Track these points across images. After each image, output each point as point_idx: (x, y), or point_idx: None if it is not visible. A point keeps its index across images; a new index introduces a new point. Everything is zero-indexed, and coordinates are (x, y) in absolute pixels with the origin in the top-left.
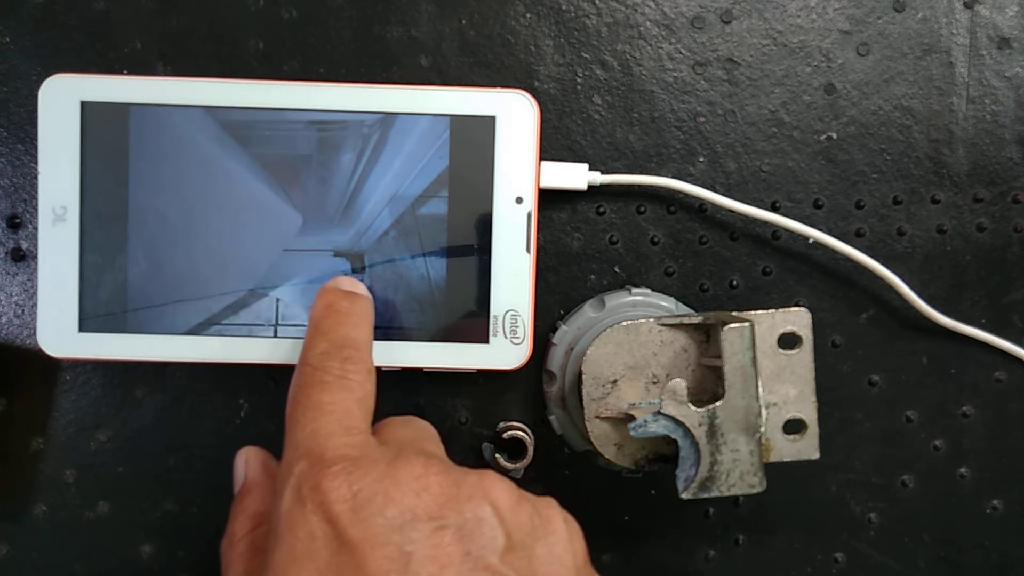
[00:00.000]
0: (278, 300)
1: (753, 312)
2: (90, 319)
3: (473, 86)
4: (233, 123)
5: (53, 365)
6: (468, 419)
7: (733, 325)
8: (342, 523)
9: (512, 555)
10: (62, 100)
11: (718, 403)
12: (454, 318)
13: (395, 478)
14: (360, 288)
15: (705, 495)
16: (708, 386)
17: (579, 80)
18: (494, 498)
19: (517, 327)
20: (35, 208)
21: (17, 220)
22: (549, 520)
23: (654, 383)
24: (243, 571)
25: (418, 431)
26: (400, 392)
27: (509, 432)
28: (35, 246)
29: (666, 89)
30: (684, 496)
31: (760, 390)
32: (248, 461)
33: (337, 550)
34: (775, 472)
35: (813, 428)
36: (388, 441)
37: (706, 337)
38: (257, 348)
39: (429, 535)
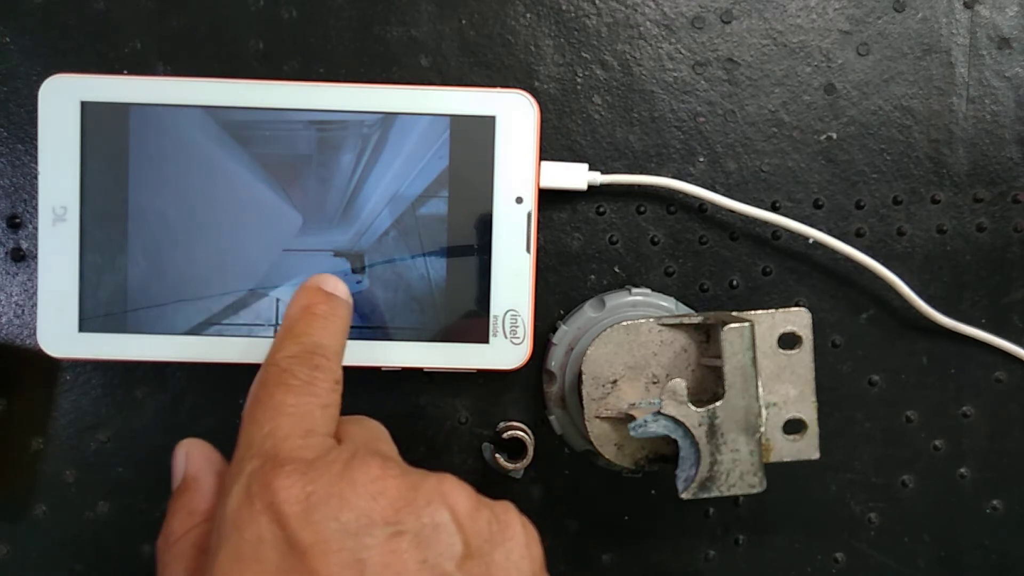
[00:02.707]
0: (278, 300)
1: (753, 312)
2: (90, 319)
3: (473, 86)
4: (233, 123)
5: (53, 365)
6: (468, 419)
7: (733, 325)
8: (293, 526)
9: (470, 562)
10: (62, 100)
11: (718, 403)
12: (454, 318)
13: (351, 480)
14: (342, 290)
15: (705, 495)
16: (708, 386)
17: (579, 80)
18: (452, 503)
19: (517, 327)
20: (35, 208)
21: (17, 220)
22: (507, 525)
23: (654, 383)
24: (183, 571)
25: (372, 431)
26: (400, 392)
27: (509, 432)
28: (35, 246)
29: (666, 89)
30: (684, 496)
31: (760, 390)
32: (189, 454)
33: (286, 554)
34: (775, 472)
35: (813, 428)
36: (343, 440)
37: (706, 337)
38: (257, 348)
39: (385, 541)
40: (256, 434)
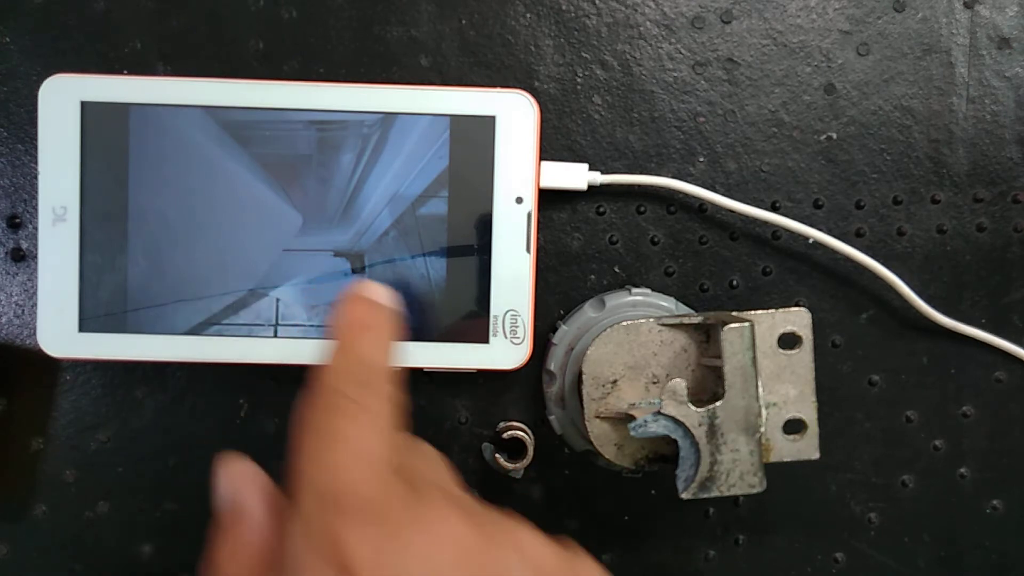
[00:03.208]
0: (278, 300)
1: (753, 312)
2: (90, 319)
3: (473, 86)
4: (233, 123)
5: (53, 365)
6: (468, 419)
7: (733, 325)
8: None
9: None
10: (62, 100)
11: (718, 403)
12: (454, 318)
13: (422, 528)
14: (386, 297)
15: (705, 495)
16: (708, 386)
17: (579, 80)
18: (520, 545)
19: (517, 327)
20: (35, 208)
21: (17, 220)
22: (577, 567)
23: (654, 383)
24: None
25: (431, 462)
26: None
27: (509, 432)
28: (35, 246)
29: (666, 89)
30: (684, 496)
31: (760, 390)
32: (235, 478)
33: None
34: (775, 472)
35: (813, 428)
36: (404, 472)
37: (706, 337)
38: (257, 348)
39: None
40: (312, 469)
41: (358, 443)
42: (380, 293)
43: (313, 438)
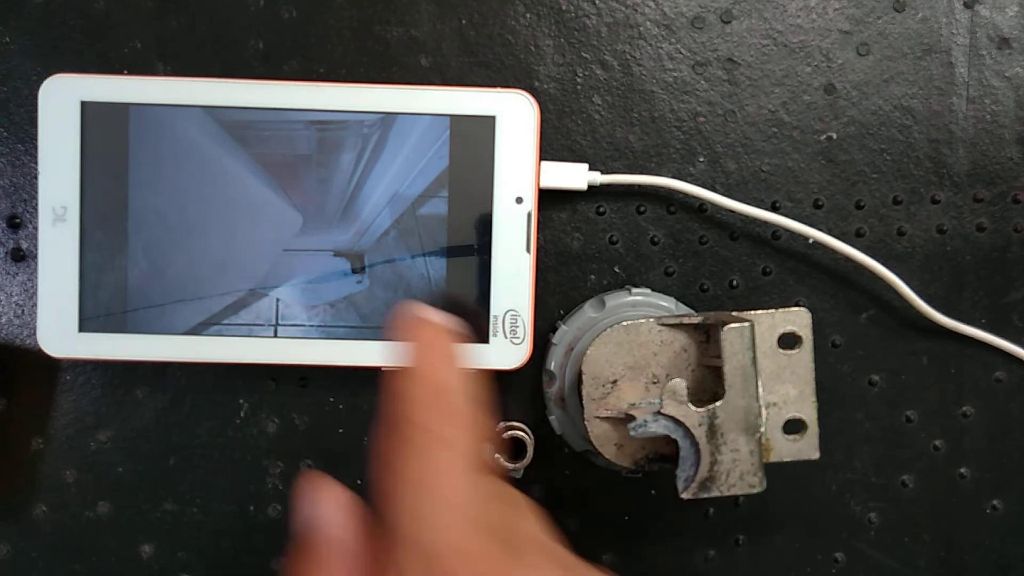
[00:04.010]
0: (278, 300)
1: (753, 312)
2: (90, 319)
3: (473, 86)
4: (233, 123)
5: (53, 365)
6: None
7: (733, 325)
8: None
9: None
10: (62, 100)
11: (718, 403)
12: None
13: None
14: (443, 319)
15: (705, 495)
16: (708, 386)
17: (579, 80)
18: None
19: (517, 327)
20: (35, 208)
21: (17, 220)
22: None
23: (654, 383)
24: None
25: (522, 510)
26: None
27: (509, 432)
28: (35, 246)
29: (666, 89)
30: (684, 496)
31: (760, 390)
32: (325, 503)
33: None
34: (775, 472)
35: (813, 428)
36: (497, 523)
37: (706, 337)
38: (257, 348)
39: None
40: (404, 517)
41: (448, 489)
42: (437, 315)
43: (399, 484)
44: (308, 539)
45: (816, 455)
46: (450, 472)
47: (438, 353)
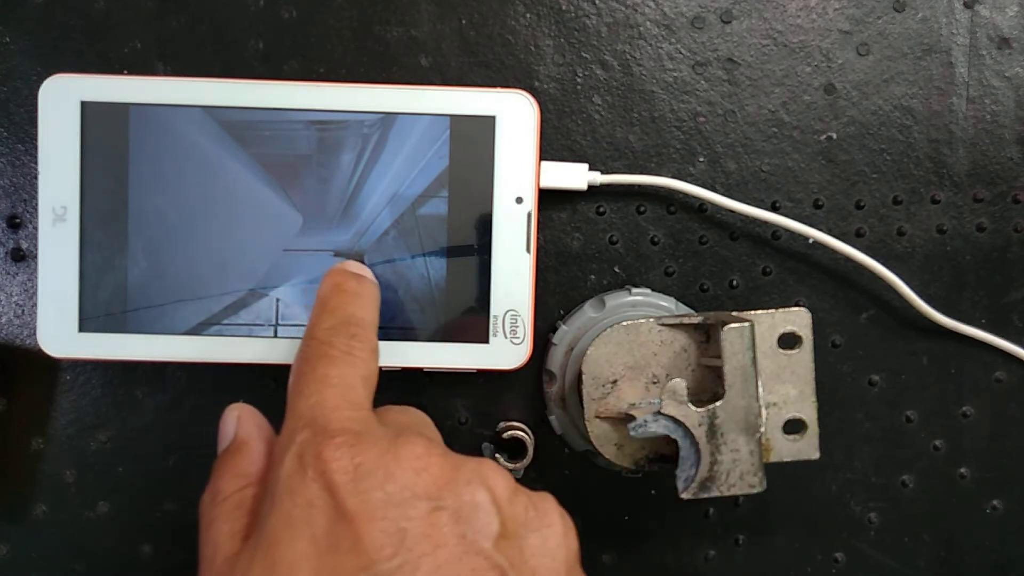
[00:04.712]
0: (278, 300)
1: (753, 312)
2: (90, 319)
3: (473, 86)
4: (233, 123)
5: (53, 365)
6: (468, 419)
7: (733, 325)
8: (342, 493)
9: (505, 543)
10: (62, 100)
11: (718, 403)
12: (454, 318)
13: (396, 455)
14: (368, 272)
15: (705, 495)
16: (708, 386)
17: (579, 80)
18: (492, 485)
19: (517, 327)
20: (35, 208)
21: (17, 220)
22: (545, 513)
23: (654, 383)
24: (228, 531)
25: (416, 418)
26: (400, 392)
27: (509, 432)
28: (35, 246)
29: (666, 89)
30: (684, 496)
31: (760, 390)
32: (241, 418)
33: (335, 519)
34: (775, 472)
35: (813, 428)
36: (388, 424)
37: (706, 337)
38: (257, 348)
39: (426, 514)
40: (303, 405)
41: (345, 385)
42: (362, 268)
43: (305, 382)
44: (225, 444)
45: (816, 455)
46: (349, 376)
47: (350, 292)
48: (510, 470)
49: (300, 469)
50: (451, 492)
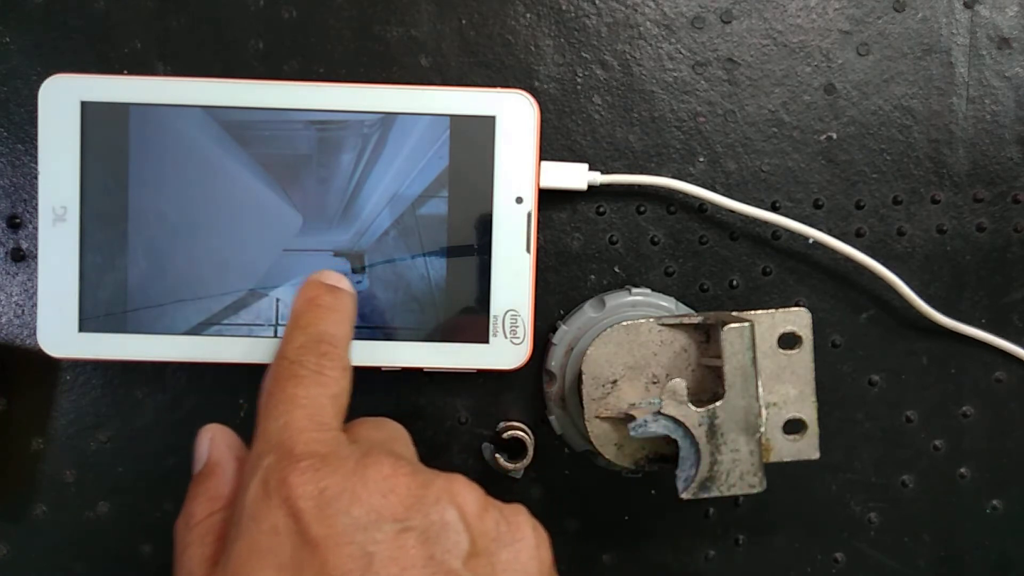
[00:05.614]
0: (278, 300)
1: (753, 312)
2: (90, 319)
3: (473, 86)
4: (233, 123)
5: (53, 365)
6: (468, 419)
7: (733, 325)
8: (306, 519)
9: (476, 560)
10: (62, 100)
11: (718, 403)
12: (454, 318)
13: (363, 477)
14: (344, 283)
15: (705, 495)
16: (708, 386)
17: (579, 80)
18: (461, 502)
19: (517, 327)
20: (35, 208)
21: (17, 220)
22: (517, 527)
23: (654, 383)
24: (199, 556)
25: (390, 432)
26: (400, 392)
27: (509, 432)
28: (35, 246)
29: (666, 89)
30: (684, 496)
31: (760, 390)
32: (213, 440)
33: (300, 546)
34: (775, 472)
35: (813, 428)
36: (359, 440)
37: (706, 337)
38: (257, 348)
39: (393, 537)
40: (271, 428)
41: (313, 406)
42: (339, 279)
43: (274, 403)
44: (199, 467)
45: (816, 455)
46: (318, 396)
47: (323, 307)
48: (510, 470)
49: (265, 495)
50: (419, 512)
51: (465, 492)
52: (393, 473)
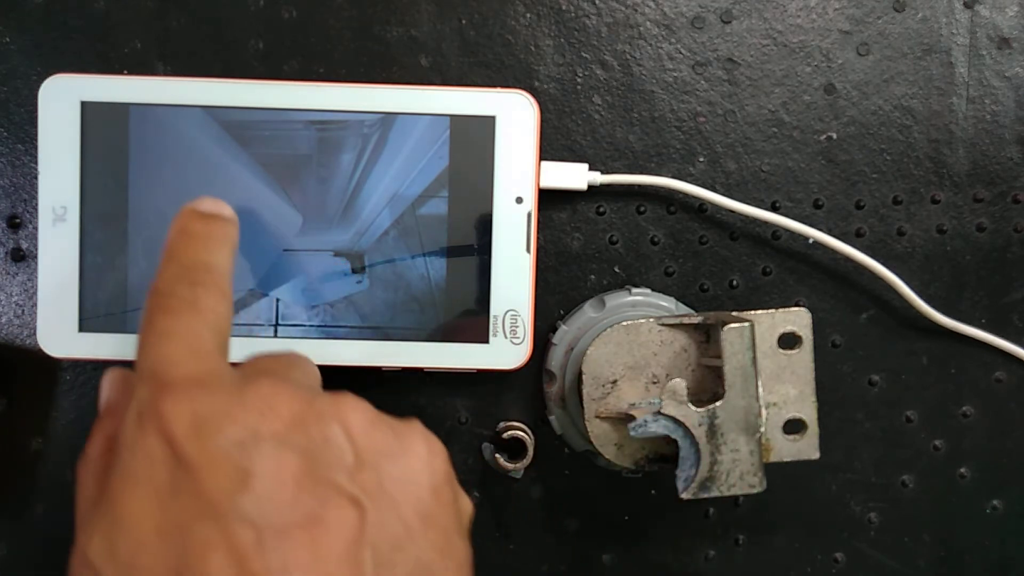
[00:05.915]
0: (278, 300)
1: (753, 312)
2: (90, 319)
3: (473, 86)
4: (233, 123)
5: (53, 365)
6: (468, 419)
7: (733, 325)
8: (180, 442)
9: (361, 474)
10: (62, 100)
11: (718, 403)
12: (454, 318)
13: (240, 398)
14: (222, 209)
15: (705, 495)
16: (708, 386)
17: (579, 80)
18: (345, 419)
19: (517, 327)
20: (35, 208)
21: (17, 220)
22: (407, 440)
23: (654, 383)
24: (86, 493)
25: (289, 361)
26: (400, 392)
27: (509, 432)
28: (35, 246)
29: (666, 89)
30: (684, 496)
31: (760, 390)
32: (111, 382)
33: (175, 469)
34: (775, 472)
35: (813, 428)
36: (247, 372)
37: (706, 337)
38: (257, 348)
39: (270, 454)
40: (145, 362)
41: (188, 336)
42: (214, 205)
43: (146, 338)
44: (101, 406)
45: (816, 455)
46: (193, 325)
47: (194, 235)
48: (510, 470)
49: (139, 425)
50: (299, 430)
51: (350, 409)
52: (273, 392)
